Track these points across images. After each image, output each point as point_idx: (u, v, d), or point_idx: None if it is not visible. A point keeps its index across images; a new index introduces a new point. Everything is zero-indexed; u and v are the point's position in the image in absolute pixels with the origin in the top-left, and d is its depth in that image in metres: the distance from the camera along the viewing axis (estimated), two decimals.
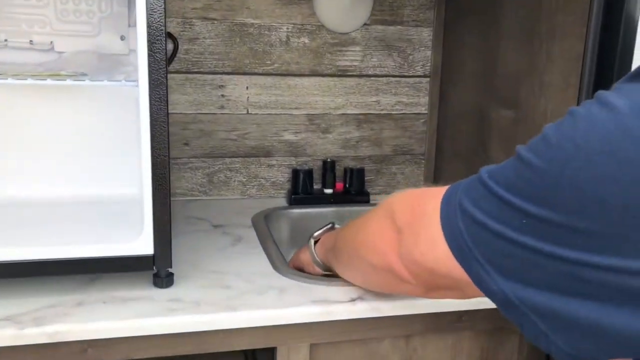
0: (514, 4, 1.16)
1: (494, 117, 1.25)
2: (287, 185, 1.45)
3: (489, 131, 1.27)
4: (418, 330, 0.92)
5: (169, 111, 1.38)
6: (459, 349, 0.95)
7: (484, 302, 0.85)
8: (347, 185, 1.43)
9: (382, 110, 1.48)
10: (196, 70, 1.36)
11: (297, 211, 1.35)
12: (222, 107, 1.39)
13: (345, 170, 1.44)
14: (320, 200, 1.40)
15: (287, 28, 1.39)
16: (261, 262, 1.02)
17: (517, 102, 1.16)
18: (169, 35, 1.31)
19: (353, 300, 0.87)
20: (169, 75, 1.34)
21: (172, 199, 1.41)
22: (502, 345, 0.97)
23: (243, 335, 0.84)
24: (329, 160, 1.41)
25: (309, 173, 1.40)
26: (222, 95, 1.38)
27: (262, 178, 1.44)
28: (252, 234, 1.17)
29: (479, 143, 1.31)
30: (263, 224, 1.22)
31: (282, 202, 1.42)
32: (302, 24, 1.39)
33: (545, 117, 1.07)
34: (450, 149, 1.46)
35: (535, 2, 1.09)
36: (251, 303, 0.85)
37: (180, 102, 1.36)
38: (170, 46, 1.32)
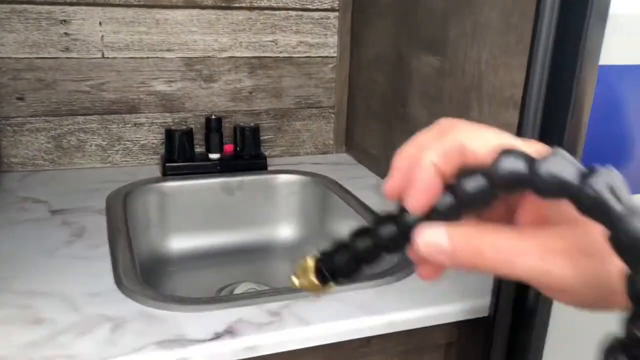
0: None
1: (414, 65, 0.99)
2: (162, 149, 1.16)
3: (408, 82, 1.02)
4: None
5: None
6: None
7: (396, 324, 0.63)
8: (237, 148, 1.16)
9: (280, 52, 1.19)
10: None
11: (170, 185, 1.07)
12: (67, 49, 1.05)
13: (235, 129, 1.16)
14: (204, 167, 1.12)
15: None
16: (102, 272, 0.74)
17: (443, 48, 0.91)
18: None
19: (218, 336, 0.61)
20: None
21: (6, 171, 1.09)
22: None
23: None
24: (213, 117, 1.12)
25: (187, 134, 1.11)
26: (66, 34, 1.04)
27: (128, 141, 1.13)
28: (102, 222, 0.88)
29: (397, 97, 1.06)
30: (119, 207, 0.93)
31: (156, 170, 1.13)
32: None
33: (478, 69, 0.83)
34: (364, 102, 1.20)
35: None
36: (64, 353, 0.57)
37: (7, 42, 1.01)
38: None
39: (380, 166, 1.14)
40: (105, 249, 0.80)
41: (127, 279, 0.71)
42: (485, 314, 0.71)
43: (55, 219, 0.89)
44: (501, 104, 0.79)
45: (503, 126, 0.78)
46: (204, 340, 0.60)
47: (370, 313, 0.67)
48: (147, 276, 0.96)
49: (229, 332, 0.62)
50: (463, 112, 0.87)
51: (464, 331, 0.75)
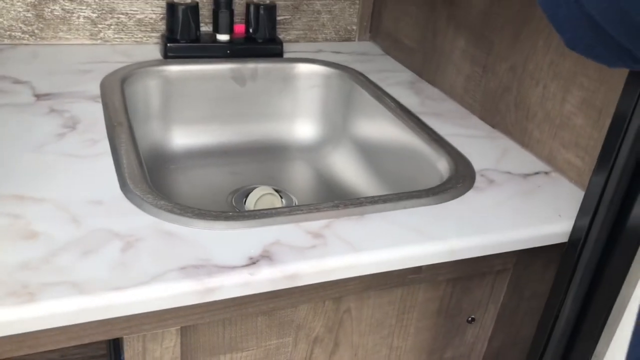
0: None
1: None
2: (162, 26, 0.99)
3: None
4: (353, 290, 0.59)
5: None
6: (409, 302, 0.64)
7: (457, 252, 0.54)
8: (250, 30, 0.99)
9: None
10: None
11: (174, 69, 0.91)
12: None
13: (247, 6, 0.99)
14: (211, 50, 0.96)
15: None
16: (104, 171, 0.62)
17: None
18: None
19: (253, 262, 0.51)
20: None
21: None
22: (468, 293, 0.67)
23: (54, 335, 0.47)
24: None
25: (193, 9, 0.94)
26: None
27: (122, 14, 0.96)
28: (98, 112, 0.74)
29: None
30: (117, 95, 0.79)
31: (155, 51, 0.97)
32: None
33: None
34: None
35: None
36: (66, 279, 0.46)
37: None
38: None
39: (416, 60, 0.99)
40: (105, 145, 0.67)
41: (135, 184, 0.59)
42: (555, 242, 0.61)
43: (41, 105, 0.75)
44: None
45: None
46: (236, 267, 0.50)
47: (426, 238, 0.57)
48: (149, 175, 0.84)
49: (266, 257, 0.51)
50: None
51: (521, 258, 0.66)
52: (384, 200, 0.61)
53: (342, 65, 0.99)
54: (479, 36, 0.83)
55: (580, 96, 0.67)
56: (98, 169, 0.62)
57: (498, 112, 0.81)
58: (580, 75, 0.67)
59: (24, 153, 0.63)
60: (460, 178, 0.67)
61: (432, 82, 0.95)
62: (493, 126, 0.82)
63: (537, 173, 0.71)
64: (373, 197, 0.62)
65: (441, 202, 0.63)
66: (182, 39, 0.94)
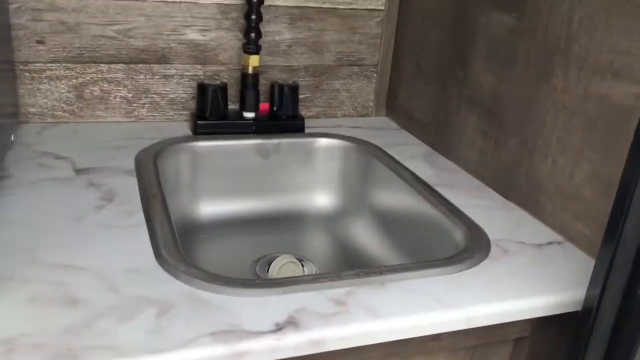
0: None
1: (481, 23, 0.89)
2: (192, 104, 1.06)
3: (472, 41, 0.91)
4: (375, 356, 0.61)
5: None
6: None
7: (476, 319, 0.56)
8: (274, 108, 1.06)
9: (324, 2, 1.08)
10: None
11: (203, 145, 0.97)
12: None
13: (272, 86, 1.06)
14: (237, 127, 1.02)
15: None
16: (140, 241, 0.66)
17: (521, 4, 0.80)
18: None
19: (279, 327, 0.54)
20: None
21: (24, 122, 1.00)
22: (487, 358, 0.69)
23: None
24: (250, 72, 1.02)
25: (222, 89, 1.01)
26: None
27: (155, 94, 1.04)
28: (133, 185, 0.80)
29: (457, 57, 0.96)
30: (150, 169, 0.84)
31: (185, 128, 1.03)
32: None
33: (567, 29, 0.72)
34: (413, 61, 1.10)
35: None
36: (106, 342, 0.50)
37: None
38: None
39: (429, 134, 1.05)
40: (140, 216, 0.72)
41: (169, 254, 0.63)
42: (569, 310, 0.64)
43: (80, 180, 0.80)
44: (596, 72, 0.69)
45: (596, 98, 0.69)
46: (264, 333, 0.53)
47: (445, 306, 0.59)
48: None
49: (292, 323, 0.54)
50: (542, 78, 0.77)
51: (538, 326, 0.67)
52: (403, 269, 0.64)
53: (359, 139, 1.05)
54: (489, 113, 0.88)
55: (587, 169, 0.71)
56: (134, 239, 0.66)
57: (511, 185, 0.84)
58: (586, 150, 0.71)
59: (66, 224, 0.68)
60: (476, 248, 0.70)
61: (447, 155, 1.00)
62: (507, 197, 0.85)
63: (550, 243, 0.74)
64: (393, 265, 0.65)
65: (458, 271, 0.65)
66: (211, 117, 1.01)
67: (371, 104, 1.20)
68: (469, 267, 0.66)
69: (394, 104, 1.18)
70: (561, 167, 0.75)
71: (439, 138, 1.02)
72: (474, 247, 0.70)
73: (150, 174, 0.83)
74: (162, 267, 0.61)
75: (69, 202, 0.73)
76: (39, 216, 0.69)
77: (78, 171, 0.83)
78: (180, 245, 0.66)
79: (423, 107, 1.06)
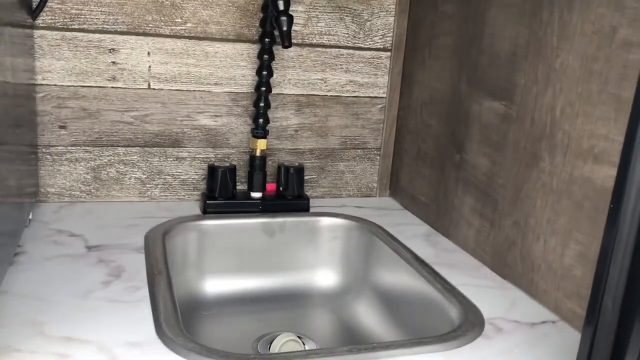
0: None
1: (475, 110, 0.94)
2: (203, 185, 1.11)
3: (467, 128, 0.96)
4: None
5: (38, 82, 1.02)
6: None
7: None
8: (280, 188, 1.11)
9: (329, 91, 1.16)
10: (77, 26, 0.98)
11: (210, 223, 1.02)
12: (113, 78, 1.02)
13: (279, 168, 1.11)
14: (245, 206, 1.07)
15: None
16: (143, 316, 0.69)
17: (510, 93, 0.86)
18: None
19: None
20: (37, 32, 0.96)
21: (42, 201, 1.06)
22: None
23: None
24: (258, 154, 1.08)
25: (230, 171, 1.06)
26: (114, 63, 1.01)
27: (168, 175, 1.09)
28: (141, 262, 0.83)
29: (453, 141, 1.00)
30: (159, 246, 0.88)
31: (195, 207, 1.08)
32: None
33: (552, 116, 0.77)
34: (413, 145, 1.15)
35: None
36: None
37: (55, 69, 0.99)
38: None
39: (430, 214, 1.08)
40: (145, 292, 0.75)
41: (169, 329, 0.66)
42: None
43: (91, 256, 0.84)
44: (578, 156, 0.73)
45: (580, 181, 0.72)
46: None
47: None
48: (182, 321, 0.90)
49: None
50: (531, 162, 0.81)
51: None
52: (395, 346, 0.66)
53: (362, 219, 1.08)
54: (484, 194, 0.91)
55: (577, 250, 0.73)
56: (138, 314, 0.69)
57: (506, 265, 0.86)
58: (575, 231, 0.73)
59: (74, 299, 0.71)
60: (470, 326, 0.72)
61: (447, 235, 1.02)
62: (503, 277, 0.87)
63: (544, 322, 0.75)
64: (385, 342, 0.66)
65: (451, 349, 0.67)
66: (220, 197, 1.05)
67: (375, 184, 1.24)
68: (462, 345, 0.68)
69: (397, 185, 1.22)
70: (552, 248, 0.77)
71: (439, 218, 1.05)
72: (467, 325, 0.72)
73: (158, 251, 0.87)
74: (162, 341, 0.64)
75: (79, 278, 0.77)
76: (50, 291, 0.73)
77: (89, 248, 0.87)
78: (181, 320, 0.69)
79: (424, 188, 1.10)
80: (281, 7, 0.90)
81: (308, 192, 1.18)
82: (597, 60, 0.69)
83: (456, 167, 0.99)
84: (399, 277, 0.93)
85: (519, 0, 0.83)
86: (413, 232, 1.05)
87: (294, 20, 1.08)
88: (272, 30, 1.02)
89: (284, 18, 0.90)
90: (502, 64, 0.87)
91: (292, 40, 1.10)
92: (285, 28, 0.89)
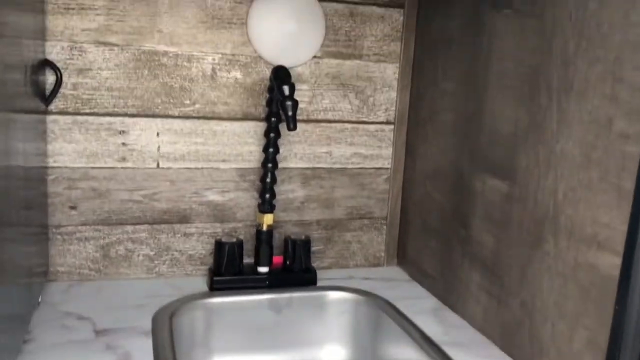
0: (511, 38, 0.87)
1: (478, 187, 0.95)
2: (210, 259, 1.12)
3: (471, 204, 0.97)
4: None
5: (49, 164, 1.05)
6: None
7: None
8: (287, 262, 1.11)
9: (334, 163, 1.17)
10: (88, 111, 1.01)
11: (217, 301, 1.02)
12: (123, 159, 1.04)
13: (285, 240, 1.12)
14: (252, 282, 1.07)
15: (214, 59, 1.06)
16: None
17: (512, 172, 0.87)
18: (49, 63, 0.97)
19: None
20: (50, 117, 1.00)
21: (52, 281, 1.07)
22: None
23: None
24: (264, 229, 1.09)
25: (238, 246, 1.07)
26: (124, 144, 1.04)
27: (176, 251, 1.10)
28: (148, 347, 0.83)
29: (458, 216, 1.01)
30: (165, 330, 0.88)
31: (202, 283, 1.08)
32: (232, 54, 1.07)
33: (554, 200, 0.78)
34: (419, 217, 1.16)
35: (542, 38, 0.80)
36: None
37: (66, 152, 1.01)
38: (51, 78, 0.98)
39: (438, 287, 1.08)
40: None
41: None
42: None
43: (99, 342, 0.84)
44: (582, 241, 0.73)
45: (585, 266, 0.72)
46: None
47: None
48: None
49: None
50: (536, 243, 0.81)
51: None
52: None
53: (370, 293, 1.08)
54: (491, 271, 0.92)
55: (585, 336, 0.73)
56: None
57: (515, 345, 0.86)
58: (583, 316, 0.73)
59: None
60: None
61: (455, 310, 1.02)
62: (512, 357, 0.86)
63: None
64: None
65: None
66: (226, 273, 1.06)
67: (382, 254, 1.24)
68: None
69: (404, 255, 1.22)
70: (560, 332, 0.77)
71: (447, 292, 1.05)
72: None
73: (165, 335, 0.87)
74: None
75: None
76: None
77: (97, 333, 0.87)
78: None
79: (431, 260, 1.10)
80: (286, 92, 0.93)
81: (315, 263, 1.18)
82: (596, 149, 0.71)
83: (462, 242, 1.00)
84: (408, 357, 0.92)
85: (517, 83, 0.85)
86: (421, 306, 1.04)
87: (300, 98, 1.11)
88: (278, 110, 1.04)
89: (289, 103, 0.92)
90: (503, 144, 0.89)
91: (298, 117, 1.12)
92: (290, 113, 0.92)
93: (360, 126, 1.17)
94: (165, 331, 0.88)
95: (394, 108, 1.18)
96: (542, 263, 0.80)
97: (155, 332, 0.88)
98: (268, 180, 1.07)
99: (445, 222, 1.06)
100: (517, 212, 0.86)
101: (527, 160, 0.83)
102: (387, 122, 1.19)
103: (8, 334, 0.70)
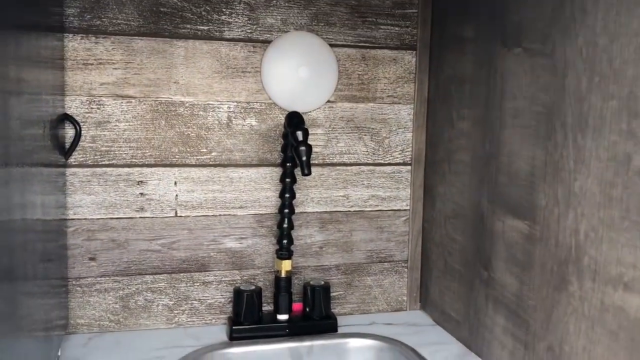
0: (524, 75, 0.87)
1: (499, 228, 0.93)
2: (229, 308, 1.11)
3: (492, 244, 0.95)
4: None
5: (69, 217, 1.07)
6: None
7: None
8: (307, 309, 1.09)
9: (352, 206, 1.17)
10: (107, 162, 1.03)
11: (237, 351, 1.00)
12: (141, 209, 1.05)
13: (305, 288, 1.10)
14: (271, 330, 1.05)
15: (229, 107, 1.08)
16: None
17: (532, 212, 0.85)
18: (68, 117, 0.99)
19: None
20: (69, 170, 1.01)
21: (72, 333, 1.06)
22: None
23: None
24: (283, 275, 1.08)
25: (257, 294, 1.06)
26: (142, 194, 1.05)
27: (195, 300, 1.10)
28: None
29: (479, 257, 0.99)
30: None
31: (222, 332, 1.07)
32: (247, 102, 1.08)
33: (576, 240, 0.76)
34: (441, 258, 1.13)
35: (554, 76, 0.79)
36: None
37: (85, 204, 1.03)
38: (70, 132, 1.00)
39: (462, 332, 1.05)
40: None
41: None
42: None
43: None
44: (608, 283, 0.70)
45: (612, 309, 0.69)
46: None
47: None
48: None
49: None
50: (560, 285, 0.79)
51: None
52: None
53: (392, 339, 1.05)
54: (515, 314, 0.89)
55: None
56: None
57: None
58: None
59: None
60: None
61: (480, 355, 0.98)
62: None
63: None
64: None
65: None
66: (245, 322, 1.05)
67: (405, 298, 1.22)
68: None
69: (427, 298, 1.19)
70: None
71: (472, 336, 1.01)
72: None
73: None
74: None
75: None
76: None
77: None
78: None
79: (454, 303, 1.08)
80: (300, 137, 0.93)
81: (336, 309, 1.16)
82: (616, 186, 0.69)
83: (485, 284, 0.97)
84: None
85: (532, 121, 0.84)
86: (445, 353, 1.01)
87: (315, 143, 1.11)
88: (292, 156, 1.05)
89: (303, 148, 0.92)
90: (521, 183, 0.87)
91: (314, 161, 1.12)
92: (304, 158, 0.92)
93: (377, 168, 1.17)
94: None
95: (410, 149, 1.18)
96: (567, 306, 0.77)
97: None
98: (285, 226, 1.07)
99: (467, 264, 1.03)
100: (539, 253, 0.84)
101: (546, 199, 0.81)
102: (404, 163, 1.18)
103: None
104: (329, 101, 1.12)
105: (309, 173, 0.93)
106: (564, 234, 0.78)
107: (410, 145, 1.18)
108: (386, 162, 1.17)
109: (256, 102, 1.09)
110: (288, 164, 1.06)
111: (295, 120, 0.97)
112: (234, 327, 1.04)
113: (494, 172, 0.94)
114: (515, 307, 0.89)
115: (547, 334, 0.81)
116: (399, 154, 1.17)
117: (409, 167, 1.18)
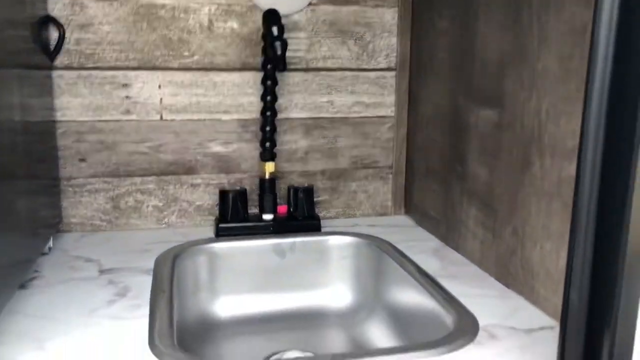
0: None
1: (472, 120, 0.94)
2: (217, 210, 1.15)
3: (466, 139, 0.96)
4: None
5: (58, 118, 1.10)
6: None
7: None
8: (291, 209, 1.13)
9: (336, 112, 1.18)
10: (92, 65, 1.05)
11: (221, 246, 1.04)
12: (127, 111, 1.08)
13: (289, 189, 1.13)
14: (257, 229, 1.09)
15: (210, 9, 1.08)
16: (138, 332, 0.71)
17: (500, 100, 0.86)
18: (52, 20, 1.01)
19: None
20: (55, 73, 1.04)
21: (66, 231, 1.12)
22: None
23: None
24: (267, 177, 1.11)
25: (241, 195, 1.10)
26: (127, 97, 1.08)
27: (184, 201, 1.14)
28: (147, 282, 0.87)
29: (456, 154, 1.00)
30: (167, 268, 0.92)
31: (210, 232, 1.11)
32: (228, 4, 1.09)
33: (538, 120, 0.77)
34: (423, 161, 1.15)
35: None
36: None
37: (72, 106, 1.06)
38: (54, 34, 1.02)
39: (440, 230, 1.07)
40: (146, 310, 0.78)
41: (162, 343, 0.68)
42: None
43: (102, 278, 0.88)
44: (564, 157, 0.72)
45: (567, 181, 0.71)
46: None
47: None
48: (193, 341, 0.93)
49: None
50: (524, 167, 0.80)
51: None
52: (380, 352, 0.66)
53: (371, 236, 1.09)
54: (485, 204, 0.91)
55: None
56: (135, 329, 0.72)
57: (509, 273, 0.85)
58: (567, 234, 0.72)
59: (78, 317, 0.75)
60: (462, 332, 0.71)
61: (456, 249, 1.01)
62: (507, 286, 0.86)
63: (542, 328, 0.73)
64: (370, 350, 0.66)
65: (439, 355, 0.66)
66: (232, 220, 1.09)
67: (389, 203, 1.24)
68: (451, 351, 0.67)
69: (411, 203, 1.22)
70: (548, 253, 0.76)
71: (449, 233, 1.04)
72: (459, 332, 0.71)
73: (166, 272, 0.90)
74: (153, 353, 0.66)
75: (86, 298, 0.81)
76: (57, 310, 0.77)
77: (102, 271, 0.91)
78: (175, 334, 0.71)
79: (434, 203, 1.10)
80: (275, 33, 0.94)
81: (322, 214, 1.19)
82: (573, 58, 0.69)
83: (460, 179, 0.99)
84: (405, 292, 0.93)
85: (502, 8, 0.84)
86: (423, 247, 1.04)
87: (298, 47, 1.12)
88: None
89: (277, 43, 0.93)
90: (492, 73, 0.87)
91: (297, 65, 1.13)
92: (279, 52, 0.93)
93: (361, 74, 1.17)
94: (166, 269, 0.91)
95: (394, 54, 1.18)
96: (530, 187, 0.79)
97: (156, 270, 0.91)
98: (268, 128, 1.09)
99: (444, 163, 1.05)
100: (506, 139, 0.85)
101: (513, 84, 0.82)
102: (389, 69, 1.18)
103: (6, 277, 0.74)
104: (310, 3, 1.12)
105: (284, 68, 0.94)
106: (529, 116, 0.79)
107: (395, 50, 1.18)
108: (370, 67, 1.18)
109: (237, 5, 1.09)
110: (269, 66, 1.07)
111: (271, 17, 0.98)
112: (220, 225, 1.08)
113: (468, 66, 0.95)
114: (485, 196, 0.91)
115: (512, 218, 0.84)
116: (384, 59, 1.18)
117: (393, 73, 1.19)
